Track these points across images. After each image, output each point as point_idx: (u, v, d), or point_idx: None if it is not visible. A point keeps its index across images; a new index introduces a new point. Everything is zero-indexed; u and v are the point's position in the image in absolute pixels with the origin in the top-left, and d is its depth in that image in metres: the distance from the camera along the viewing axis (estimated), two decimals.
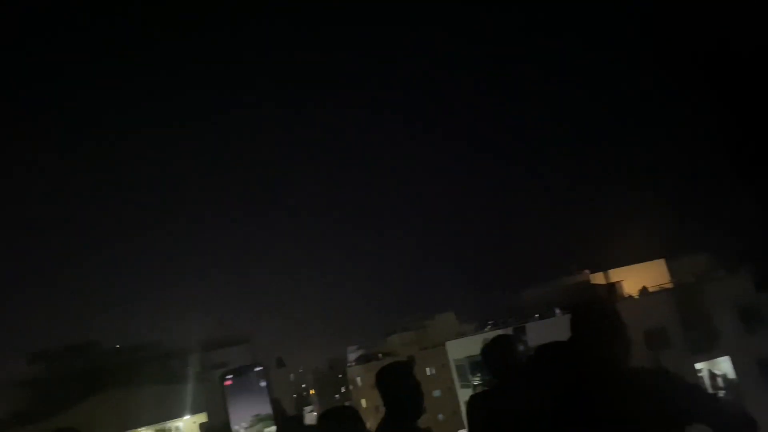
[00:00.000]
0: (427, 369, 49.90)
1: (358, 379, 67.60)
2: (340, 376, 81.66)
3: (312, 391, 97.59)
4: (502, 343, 3.58)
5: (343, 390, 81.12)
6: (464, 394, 34.50)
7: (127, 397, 23.05)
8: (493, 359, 3.50)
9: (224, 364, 30.76)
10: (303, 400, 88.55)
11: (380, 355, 65.12)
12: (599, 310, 2.52)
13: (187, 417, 25.09)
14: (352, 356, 76.70)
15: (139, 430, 24.14)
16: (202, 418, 25.08)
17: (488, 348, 3.55)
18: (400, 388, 2.91)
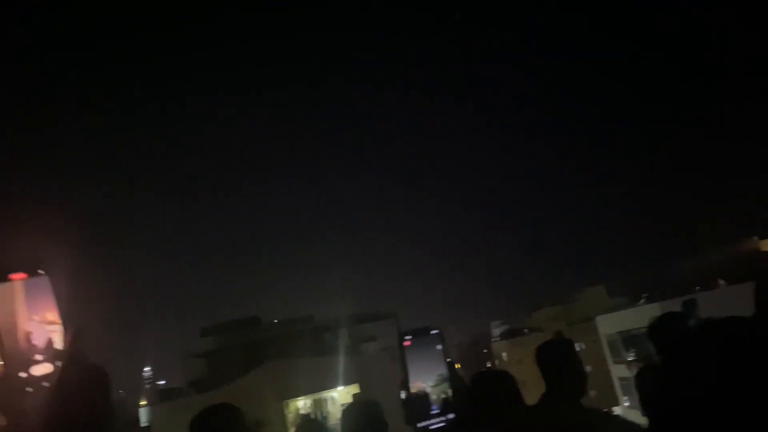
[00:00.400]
0: (576, 344, 48.07)
1: (504, 354, 66.98)
2: (485, 351, 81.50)
3: (457, 366, 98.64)
4: (672, 320, 3.43)
5: (488, 365, 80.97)
6: (617, 371, 32.93)
7: (286, 368, 24.70)
8: (660, 335, 3.35)
9: (372, 337, 32.01)
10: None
11: (526, 330, 63.91)
12: None
13: (341, 388, 26.40)
14: (496, 331, 76.13)
15: (297, 399, 25.84)
16: (354, 389, 26.28)
17: (657, 324, 3.42)
18: (564, 366, 2.83)
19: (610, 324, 34.95)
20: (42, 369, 1.00)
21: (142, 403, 34.22)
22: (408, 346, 1.80)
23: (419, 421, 1.71)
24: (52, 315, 1.03)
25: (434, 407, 1.74)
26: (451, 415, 1.66)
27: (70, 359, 1.27)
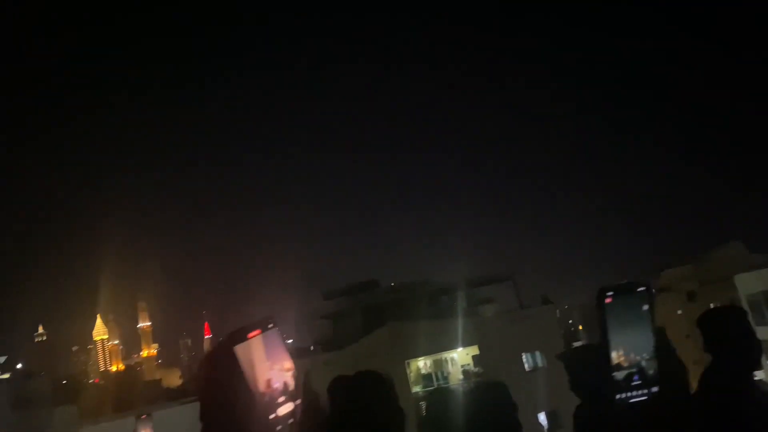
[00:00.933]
0: (711, 305, 44.86)
1: None
2: None
3: (580, 327, 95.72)
4: None
5: None
6: (760, 333, 30.44)
7: (406, 329, 25.28)
8: None
9: (489, 300, 31.85)
10: (573, 336, 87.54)
11: (653, 290, 60.51)
12: None
13: (460, 349, 26.67)
14: None
15: (418, 359, 26.44)
16: (473, 350, 26.46)
17: None
18: (734, 335, 2.55)
19: (751, 283, 32.22)
20: (285, 409, 1.27)
21: None
22: (609, 304, 1.60)
23: (618, 393, 1.55)
24: (286, 361, 1.30)
25: (635, 378, 1.54)
26: (654, 389, 1.47)
27: (305, 396, 1.52)
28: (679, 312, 38.93)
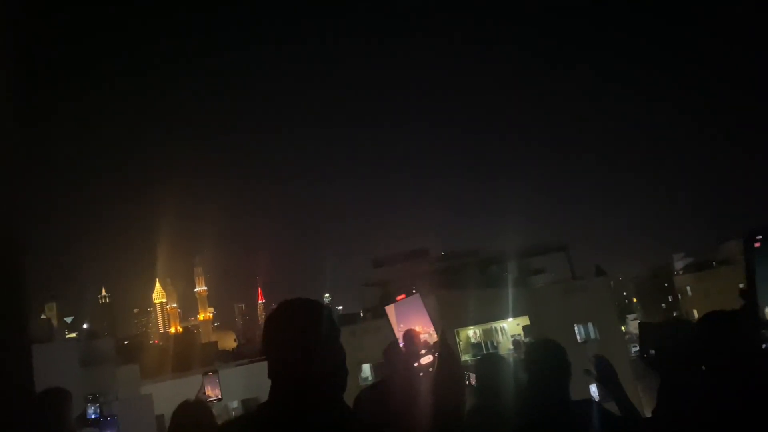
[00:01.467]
0: None
1: (688, 288, 62.34)
2: (666, 284, 76.30)
3: (635, 299, 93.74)
4: None
5: (670, 299, 75.92)
6: None
7: (456, 298, 25.25)
8: None
9: (541, 270, 31.43)
10: (626, 309, 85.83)
11: (714, 263, 58.50)
12: None
13: (510, 319, 26.52)
14: (679, 264, 70.74)
15: (467, 328, 26.45)
16: (524, 320, 26.26)
17: None
18: None
19: None
20: (426, 359, 1.60)
21: None
22: (759, 249, 1.40)
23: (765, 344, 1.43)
24: (426, 320, 1.67)
25: None
26: None
27: (442, 348, 1.92)
28: (741, 286, 37.49)
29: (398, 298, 1.75)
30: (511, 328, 26.90)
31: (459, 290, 26.36)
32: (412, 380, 1.80)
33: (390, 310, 1.73)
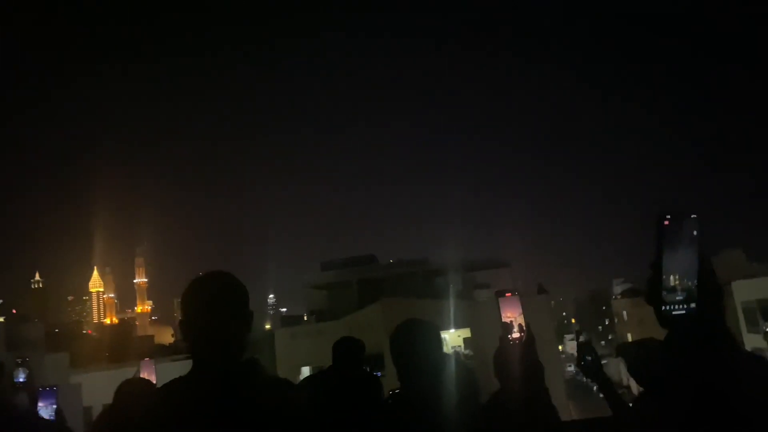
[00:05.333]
0: None
1: (624, 312, 64.46)
2: (604, 308, 78.79)
3: (573, 320, 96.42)
4: None
5: (606, 322, 78.40)
6: (752, 341, 30.65)
7: (400, 306, 25.40)
8: None
9: (486, 285, 31.96)
10: (564, 329, 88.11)
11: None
12: None
13: (452, 330, 26.84)
14: (618, 289, 73.07)
15: None
16: (466, 333, 26.63)
17: None
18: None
19: (747, 291, 32.31)
20: (516, 334, 2.78)
21: (267, 326, 36.91)
22: (666, 226, 1.63)
23: (664, 305, 1.62)
24: (519, 310, 2.82)
25: (679, 294, 1.63)
26: (693, 305, 1.57)
27: (527, 330, 2.90)
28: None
29: (507, 294, 2.74)
30: (452, 339, 27.25)
31: (404, 298, 26.53)
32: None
33: (501, 301, 2.78)
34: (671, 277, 1.82)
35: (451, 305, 25.49)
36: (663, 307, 1.79)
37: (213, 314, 1.74)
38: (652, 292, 1.80)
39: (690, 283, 1.81)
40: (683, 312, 1.80)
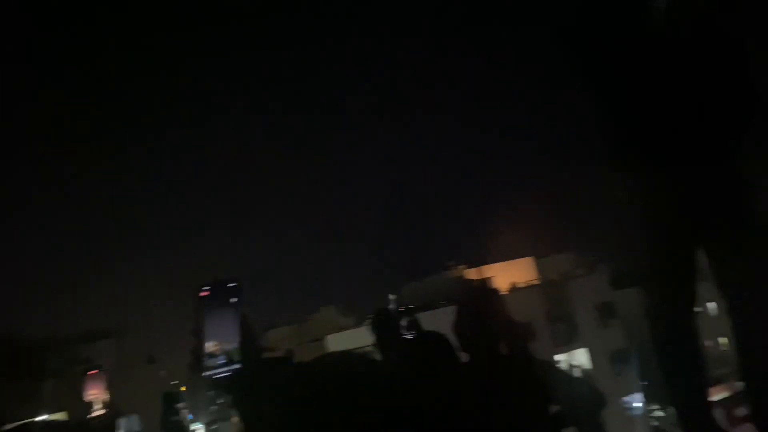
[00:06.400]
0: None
1: None
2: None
3: (183, 388, 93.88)
4: (386, 316, 3.84)
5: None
6: None
7: None
8: (379, 330, 3.63)
9: (89, 359, 28.80)
10: (174, 397, 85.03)
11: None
12: (482, 304, 2.80)
13: (44, 417, 23.22)
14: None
15: None
16: (62, 417, 23.36)
17: (377, 319, 3.74)
18: None
19: (340, 342, 36.86)
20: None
21: None
22: (205, 297, 1.70)
23: (205, 372, 1.65)
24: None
25: (221, 359, 1.68)
26: (236, 366, 1.65)
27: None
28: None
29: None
30: None
31: None
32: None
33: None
34: (211, 344, 1.85)
35: (47, 386, 22.14)
36: (204, 374, 1.81)
37: None
38: (194, 361, 1.83)
39: (230, 347, 1.87)
40: (228, 374, 1.86)
